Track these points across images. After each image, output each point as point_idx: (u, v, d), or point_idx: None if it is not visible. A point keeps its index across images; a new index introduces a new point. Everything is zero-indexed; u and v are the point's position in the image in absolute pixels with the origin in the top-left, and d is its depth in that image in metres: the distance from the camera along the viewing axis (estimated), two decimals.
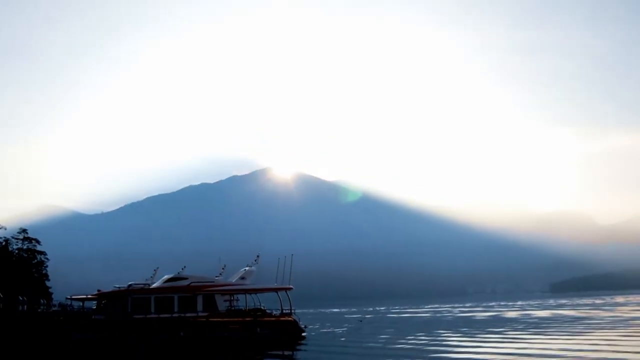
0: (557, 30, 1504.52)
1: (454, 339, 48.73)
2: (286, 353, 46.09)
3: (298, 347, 48.96)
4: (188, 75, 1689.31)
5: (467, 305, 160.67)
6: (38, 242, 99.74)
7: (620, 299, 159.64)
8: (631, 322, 59.45)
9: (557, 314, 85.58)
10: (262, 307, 60.57)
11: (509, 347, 39.46)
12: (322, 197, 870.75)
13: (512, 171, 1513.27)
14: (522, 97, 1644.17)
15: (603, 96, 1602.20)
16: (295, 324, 58.67)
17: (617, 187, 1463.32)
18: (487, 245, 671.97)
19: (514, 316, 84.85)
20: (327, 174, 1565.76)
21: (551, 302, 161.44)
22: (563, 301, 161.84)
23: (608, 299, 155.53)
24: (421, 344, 45.90)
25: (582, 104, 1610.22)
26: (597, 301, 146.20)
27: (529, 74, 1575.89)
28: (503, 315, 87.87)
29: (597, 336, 44.81)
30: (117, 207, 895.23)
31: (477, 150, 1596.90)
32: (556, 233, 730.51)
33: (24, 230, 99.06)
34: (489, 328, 60.90)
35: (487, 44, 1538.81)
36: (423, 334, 57.06)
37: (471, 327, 63.73)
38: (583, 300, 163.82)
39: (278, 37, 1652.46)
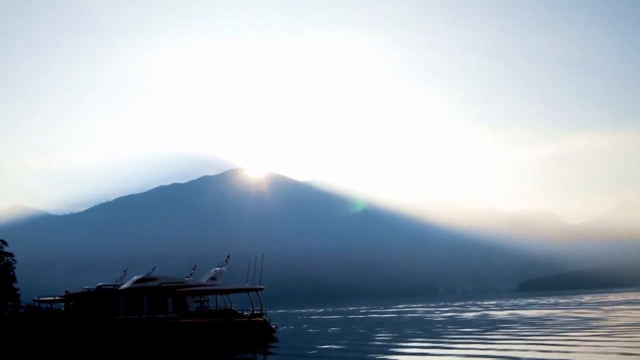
0: (517, 34, 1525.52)
1: (413, 341, 49.22)
2: (257, 354, 46.13)
3: (269, 348, 49.05)
4: (160, 75, 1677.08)
5: (432, 305, 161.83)
6: (5, 243, 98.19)
7: (587, 298, 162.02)
8: (590, 322, 60.05)
9: (518, 314, 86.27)
10: (233, 308, 60.48)
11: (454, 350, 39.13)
12: (293, 198, 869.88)
13: (482, 172, 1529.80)
14: (493, 99, 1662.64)
15: (571, 98, 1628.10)
16: (266, 324, 58.68)
17: (585, 187, 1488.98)
18: (457, 245, 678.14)
19: (472, 317, 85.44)
20: (299, 174, 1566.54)
21: (518, 301, 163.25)
22: (530, 300, 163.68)
23: (576, 298, 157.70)
24: (384, 345, 46.46)
25: (549, 106, 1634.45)
26: (562, 300, 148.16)
27: (501, 77, 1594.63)
28: (461, 316, 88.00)
29: (549, 338, 44.78)
30: (87, 207, 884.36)
31: (450, 151, 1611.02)
32: (525, 233, 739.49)
33: None
34: (449, 329, 61.68)
35: (453, 47, 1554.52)
36: (388, 334, 57.60)
37: (432, 328, 64.52)
38: (549, 299, 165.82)
39: (249, 39, 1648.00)
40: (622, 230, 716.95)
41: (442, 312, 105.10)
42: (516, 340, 43.14)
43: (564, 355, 32.53)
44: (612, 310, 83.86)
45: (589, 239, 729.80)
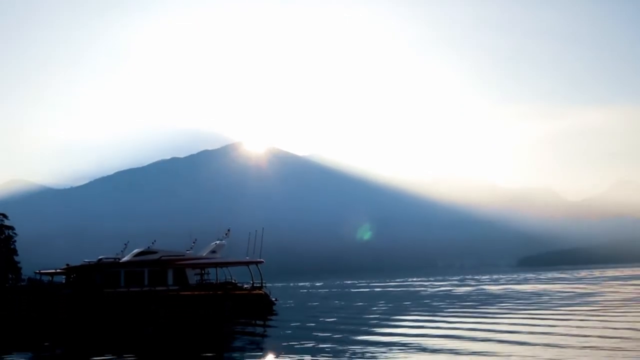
0: (516, 8, 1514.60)
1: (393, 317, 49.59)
2: (257, 325, 46.57)
3: (268, 320, 49.52)
4: (160, 49, 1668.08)
5: (430, 279, 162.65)
6: (5, 216, 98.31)
7: (584, 273, 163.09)
8: (583, 298, 60.19)
9: (512, 289, 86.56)
10: (233, 281, 60.92)
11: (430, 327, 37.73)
12: (293, 172, 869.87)
13: (482, 148, 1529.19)
14: (491, 74, 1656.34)
15: (571, 74, 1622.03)
16: (265, 297, 59.23)
17: (585, 164, 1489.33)
18: (457, 221, 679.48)
19: (466, 291, 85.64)
20: (299, 148, 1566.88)
21: (515, 276, 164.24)
22: (527, 276, 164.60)
23: (574, 274, 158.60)
24: (381, 317, 46.96)
25: (550, 82, 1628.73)
26: (558, 276, 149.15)
27: (499, 52, 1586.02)
28: (454, 291, 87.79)
29: (536, 313, 44.64)
30: (87, 181, 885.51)
31: (449, 127, 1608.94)
32: (525, 209, 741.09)
33: None
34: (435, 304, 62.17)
35: (454, 20, 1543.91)
36: (386, 306, 58.17)
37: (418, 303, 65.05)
38: (546, 275, 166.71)
39: (249, 11, 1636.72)
40: (621, 207, 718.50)
41: (438, 287, 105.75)
42: (506, 315, 43.43)
43: (548, 329, 32.79)
44: (607, 286, 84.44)
45: (588, 216, 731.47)
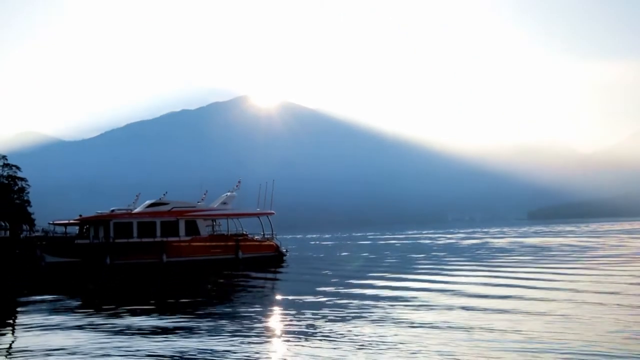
0: None
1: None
2: (267, 275, 47.34)
3: (279, 270, 50.34)
4: (177, 3, 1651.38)
5: (438, 232, 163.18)
6: (18, 168, 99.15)
7: (594, 226, 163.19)
8: (586, 252, 60.13)
9: (518, 242, 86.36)
10: (244, 232, 61.80)
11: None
12: (304, 125, 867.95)
13: (493, 100, 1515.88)
14: (504, 24, 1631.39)
15: (587, 25, 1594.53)
16: (276, 248, 60.33)
17: (600, 117, 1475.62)
18: (467, 174, 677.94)
19: (473, 244, 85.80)
20: (310, 101, 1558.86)
21: (525, 229, 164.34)
22: (535, 228, 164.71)
23: (583, 227, 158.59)
24: (387, 268, 47.56)
25: (567, 33, 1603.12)
26: (567, 228, 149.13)
27: (511, 3, 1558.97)
28: (460, 244, 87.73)
29: (534, 265, 44.57)
30: (98, 133, 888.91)
31: (458, 80, 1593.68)
32: (537, 162, 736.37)
33: (4, 157, 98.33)
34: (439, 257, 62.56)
35: None
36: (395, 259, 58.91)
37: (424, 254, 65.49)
38: (555, 228, 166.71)
39: None
40: (635, 160, 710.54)
41: (445, 240, 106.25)
42: (505, 268, 43.60)
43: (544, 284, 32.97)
44: (616, 239, 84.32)
45: (602, 168, 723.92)
